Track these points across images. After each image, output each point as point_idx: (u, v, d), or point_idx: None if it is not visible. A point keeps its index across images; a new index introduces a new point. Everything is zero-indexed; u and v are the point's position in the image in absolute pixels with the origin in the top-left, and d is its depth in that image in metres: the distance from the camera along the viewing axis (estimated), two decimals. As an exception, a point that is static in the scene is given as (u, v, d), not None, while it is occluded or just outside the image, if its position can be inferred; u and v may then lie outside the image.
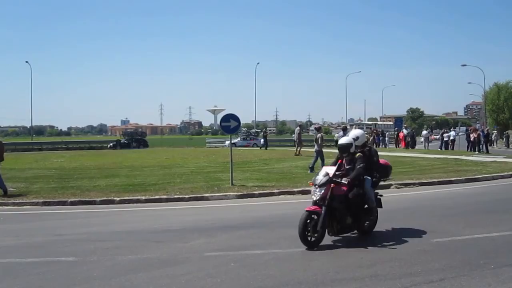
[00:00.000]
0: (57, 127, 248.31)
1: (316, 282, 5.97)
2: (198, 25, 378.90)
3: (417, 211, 11.22)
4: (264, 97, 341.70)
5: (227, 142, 56.60)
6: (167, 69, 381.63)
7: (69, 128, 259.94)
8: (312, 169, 18.63)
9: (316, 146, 19.58)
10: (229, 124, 16.08)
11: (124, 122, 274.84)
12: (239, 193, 13.86)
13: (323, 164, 18.62)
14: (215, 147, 57.15)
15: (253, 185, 15.20)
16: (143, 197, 13.38)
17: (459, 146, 39.43)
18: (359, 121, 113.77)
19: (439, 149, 37.52)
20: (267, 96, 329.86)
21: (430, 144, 41.44)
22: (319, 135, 20.15)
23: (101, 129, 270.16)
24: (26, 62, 70.57)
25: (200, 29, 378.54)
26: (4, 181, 14.36)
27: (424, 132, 43.83)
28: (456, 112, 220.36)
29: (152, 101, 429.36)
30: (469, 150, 34.77)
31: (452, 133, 41.89)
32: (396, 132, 44.99)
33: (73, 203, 12.97)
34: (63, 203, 12.98)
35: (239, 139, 56.57)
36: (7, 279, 6.31)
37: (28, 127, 77.10)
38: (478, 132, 35.67)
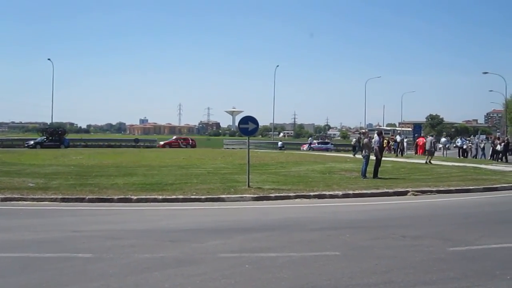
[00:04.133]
0: (76, 124, 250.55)
1: (330, 286, 5.98)
2: (217, 25, 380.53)
3: (434, 219, 11.13)
4: (283, 100, 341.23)
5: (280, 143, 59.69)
6: (186, 69, 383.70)
7: (88, 126, 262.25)
8: (364, 175, 18.66)
9: (363, 151, 19.51)
10: (247, 126, 16.13)
11: (142, 121, 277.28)
12: (255, 195, 13.88)
13: (365, 169, 18.64)
14: (233, 148, 57.33)
15: (269, 188, 15.21)
16: (160, 197, 13.47)
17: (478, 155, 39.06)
18: (377, 127, 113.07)
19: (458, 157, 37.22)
20: (285, 99, 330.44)
21: (448, 151, 41.13)
22: (366, 139, 20.03)
23: (120, 127, 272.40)
24: (48, 59, 71.66)
25: (219, 30, 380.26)
26: (24, 176, 14.54)
27: (443, 140, 43.41)
28: (476, 120, 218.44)
29: (171, 101, 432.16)
30: (491, 159, 34.32)
31: (458, 140, 41.65)
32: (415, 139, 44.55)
33: (91, 200, 13.10)
34: (81, 200, 13.12)
35: None
36: (25, 274, 6.40)
37: (48, 124, 77.68)
38: (505, 139, 34.99)
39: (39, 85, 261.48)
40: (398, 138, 40.83)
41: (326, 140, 69.05)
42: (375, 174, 18.75)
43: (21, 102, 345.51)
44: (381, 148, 19.64)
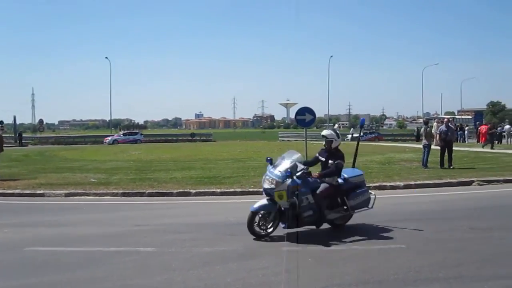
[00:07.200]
0: (134, 120, 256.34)
1: (397, 281, 5.76)
2: (271, 19, 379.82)
3: (502, 210, 10.67)
4: (337, 91, 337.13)
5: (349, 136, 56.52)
6: (240, 63, 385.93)
7: (145, 122, 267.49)
8: (425, 165, 18.31)
9: (424, 140, 19.03)
10: (304, 117, 15.94)
11: (198, 115, 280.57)
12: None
13: (426, 159, 18.21)
14: (288, 141, 57.14)
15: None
16: (218, 190, 13.48)
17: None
18: (435, 115, 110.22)
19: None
20: (340, 89, 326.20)
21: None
22: (428, 129, 19.55)
23: (176, 122, 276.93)
24: (106, 57, 73.81)
25: (272, 23, 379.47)
26: (86, 172, 14.87)
27: (507, 127, 41.75)
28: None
29: (225, 95, 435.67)
30: None
31: (507, 126, 39.88)
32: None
33: (150, 195, 13.26)
34: (141, 194, 13.29)
35: None
36: (90, 267, 6.50)
37: (107, 121, 79.89)
38: None
39: (98, 84, 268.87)
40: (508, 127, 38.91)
41: (135, 131, 64.15)
42: (450, 163, 18.25)
43: (81, 100, 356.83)
44: (444, 137, 18.81)
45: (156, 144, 50.26)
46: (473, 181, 14.50)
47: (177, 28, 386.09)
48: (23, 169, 19.62)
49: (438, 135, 19.11)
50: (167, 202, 12.57)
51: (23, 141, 53.82)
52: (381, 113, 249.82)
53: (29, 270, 6.45)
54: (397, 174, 16.13)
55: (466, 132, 43.01)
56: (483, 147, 31.27)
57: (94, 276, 6.15)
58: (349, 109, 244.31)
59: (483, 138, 38.42)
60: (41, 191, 13.69)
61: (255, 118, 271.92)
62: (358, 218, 9.68)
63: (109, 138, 56.35)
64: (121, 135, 58.52)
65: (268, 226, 7.97)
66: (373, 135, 55.89)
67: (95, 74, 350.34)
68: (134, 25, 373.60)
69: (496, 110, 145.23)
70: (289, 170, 7.93)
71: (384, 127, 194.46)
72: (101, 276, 6.12)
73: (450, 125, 19.57)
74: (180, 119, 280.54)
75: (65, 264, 6.69)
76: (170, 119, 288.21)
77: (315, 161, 8.96)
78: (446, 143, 18.41)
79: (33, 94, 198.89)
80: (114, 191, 13.53)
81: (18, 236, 8.55)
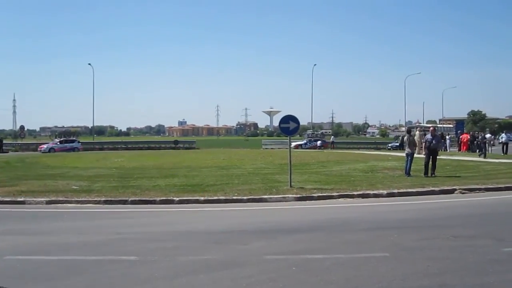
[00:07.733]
0: (117, 127, 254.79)
1: (382, 290, 5.75)
2: (255, 27, 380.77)
3: (484, 218, 10.74)
4: (320, 99, 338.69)
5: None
6: (224, 70, 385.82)
7: (128, 129, 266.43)
8: (408, 173, 18.45)
9: (407, 149, 19.17)
10: (288, 125, 15.94)
11: (181, 123, 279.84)
12: (298, 195, 13.69)
13: (409, 167, 18.34)
14: (271, 148, 57.24)
15: (312, 188, 14.98)
16: (202, 198, 13.41)
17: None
18: (417, 124, 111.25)
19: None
20: (323, 98, 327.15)
21: (493, 148, 39.96)
22: (411, 137, 19.73)
23: (159, 129, 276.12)
24: (89, 64, 73.34)
25: (257, 31, 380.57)
26: (68, 179, 14.68)
27: (488, 136, 42.27)
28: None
29: (209, 103, 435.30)
30: None
31: (503, 135, 40.53)
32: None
33: (133, 202, 13.14)
34: (124, 202, 13.17)
35: None
36: (71, 277, 6.38)
37: (90, 127, 79.25)
38: None
39: (80, 90, 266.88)
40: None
41: (72, 138, 63.68)
42: (434, 171, 18.37)
43: (64, 107, 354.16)
44: (428, 145, 18.98)
45: (139, 152, 49.98)
46: (455, 190, 14.62)
47: (160, 36, 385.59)
48: (3, 176, 19.37)
49: (424, 143, 19.30)
50: (150, 210, 12.48)
51: (3, 148, 53.16)
52: (364, 121, 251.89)
53: (8, 280, 6.31)
54: (380, 182, 16.20)
55: (447, 140, 43.45)
56: (485, 157, 30.96)
57: (75, 285, 6.04)
58: (332, 117, 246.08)
59: (465, 147, 38.92)
60: (22, 199, 13.50)
61: (238, 126, 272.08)
62: (340, 226, 9.71)
63: (45, 146, 53.50)
64: (58, 143, 55.57)
65: None
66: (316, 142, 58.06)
67: (77, 81, 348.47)
68: (117, 33, 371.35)
69: (476, 119, 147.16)
70: None
71: (366, 135, 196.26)
72: (83, 286, 6.01)
73: (437, 134, 19.79)
74: (163, 126, 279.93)
75: (46, 274, 6.56)
76: (153, 126, 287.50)
77: None
78: (431, 152, 18.57)
79: (14, 100, 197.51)
80: (96, 199, 13.39)
81: (-3, 245, 8.40)
